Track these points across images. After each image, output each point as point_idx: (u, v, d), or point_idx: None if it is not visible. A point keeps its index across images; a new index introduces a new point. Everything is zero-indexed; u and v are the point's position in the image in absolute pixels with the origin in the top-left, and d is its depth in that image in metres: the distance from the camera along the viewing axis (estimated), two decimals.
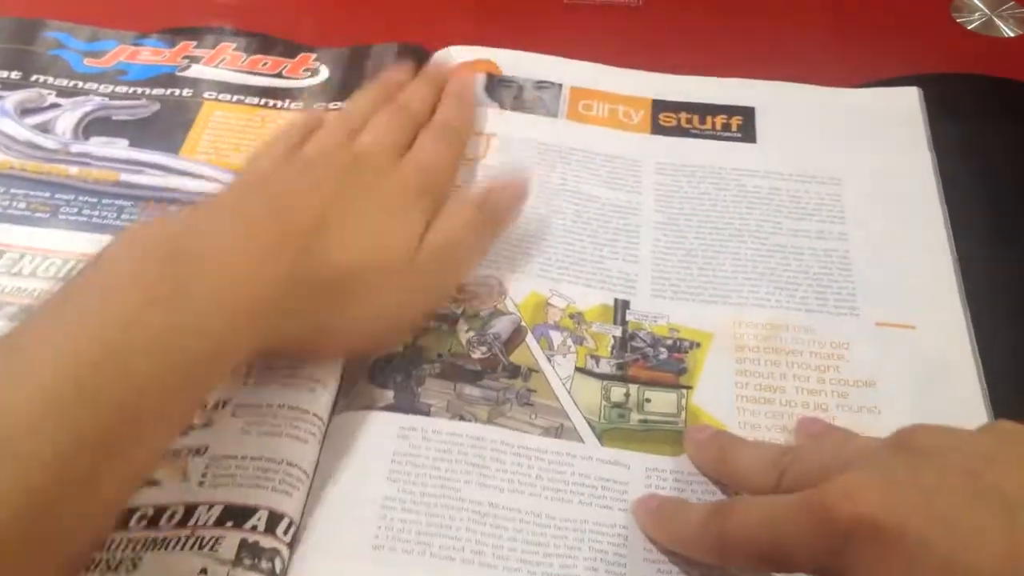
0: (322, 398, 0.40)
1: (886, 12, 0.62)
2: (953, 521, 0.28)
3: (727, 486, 0.39)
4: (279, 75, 0.56)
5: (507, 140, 0.52)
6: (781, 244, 0.48)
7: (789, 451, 0.36)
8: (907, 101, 0.55)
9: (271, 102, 0.55)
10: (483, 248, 0.46)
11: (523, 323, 0.45)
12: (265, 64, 0.57)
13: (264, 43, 0.58)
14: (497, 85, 0.55)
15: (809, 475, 0.33)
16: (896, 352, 0.44)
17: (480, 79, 0.55)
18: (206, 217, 0.37)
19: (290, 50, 0.58)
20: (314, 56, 0.57)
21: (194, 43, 0.58)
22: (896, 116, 0.54)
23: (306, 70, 0.56)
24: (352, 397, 0.41)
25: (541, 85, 0.56)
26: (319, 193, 0.40)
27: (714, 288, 0.47)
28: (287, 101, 0.55)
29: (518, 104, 0.54)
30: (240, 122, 0.53)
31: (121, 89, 0.55)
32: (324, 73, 0.56)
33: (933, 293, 0.46)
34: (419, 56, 0.57)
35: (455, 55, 0.57)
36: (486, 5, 0.62)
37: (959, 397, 0.43)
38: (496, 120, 0.54)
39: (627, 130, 0.54)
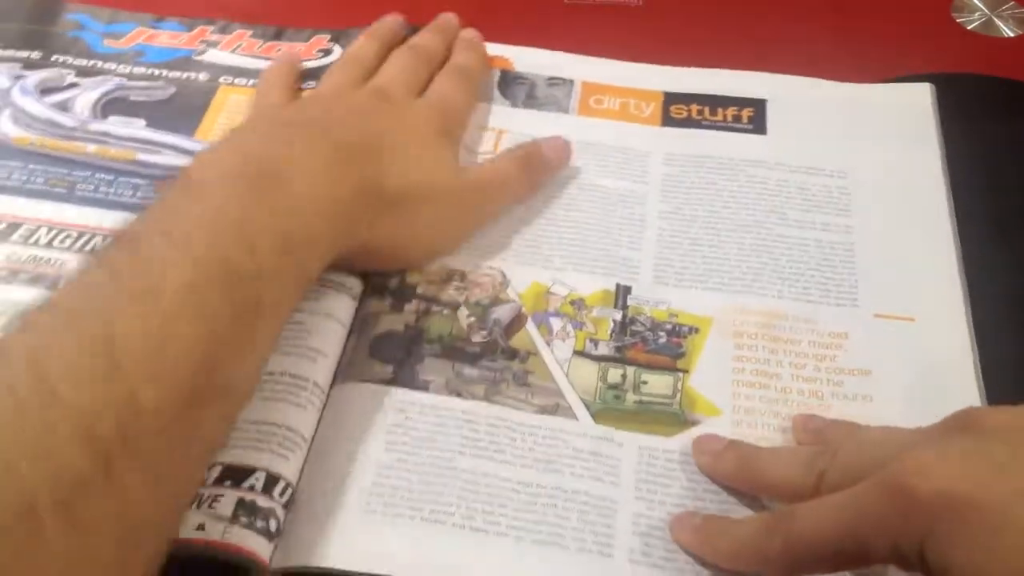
0: (323, 368, 0.42)
1: (886, 12, 0.63)
2: None
3: (750, 494, 0.39)
4: None
5: (517, 136, 0.54)
6: (785, 235, 0.49)
7: (824, 452, 0.36)
8: (920, 97, 0.55)
9: None
10: (522, 189, 0.49)
11: (523, 310, 0.46)
12: (279, 50, 0.58)
13: (279, 31, 0.60)
14: (511, 82, 0.57)
15: (854, 471, 0.33)
16: (894, 343, 0.44)
17: (495, 72, 0.57)
18: (278, 140, 0.41)
19: (304, 34, 0.59)
20: (328, 37, 0.59)
21: (211, 28, 0.60)
22: (908, 112, 0.55)
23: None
24: (352, 369, 0.43)
25: (553, 82, 0.57)
26: (365, 121, 0.45)
27: (717, 276, 0.47)
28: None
29: (531, 102, 0.56)
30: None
31: (139, 70, 0.57)
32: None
33: (934, 287, 0.47)
34: None
35: None
36: (486, 4, 0.63)
37: (954, 390, 0.43)
38: (507, 116, 0.55)
39: (638, 122, 0.55)
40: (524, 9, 0.64)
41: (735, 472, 0.39)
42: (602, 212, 0.50)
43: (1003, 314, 0.46)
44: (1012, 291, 0.47)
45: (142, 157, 0.52)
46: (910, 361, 0.44)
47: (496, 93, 0.56)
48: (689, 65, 0.58)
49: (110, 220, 0.48)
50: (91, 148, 0.52)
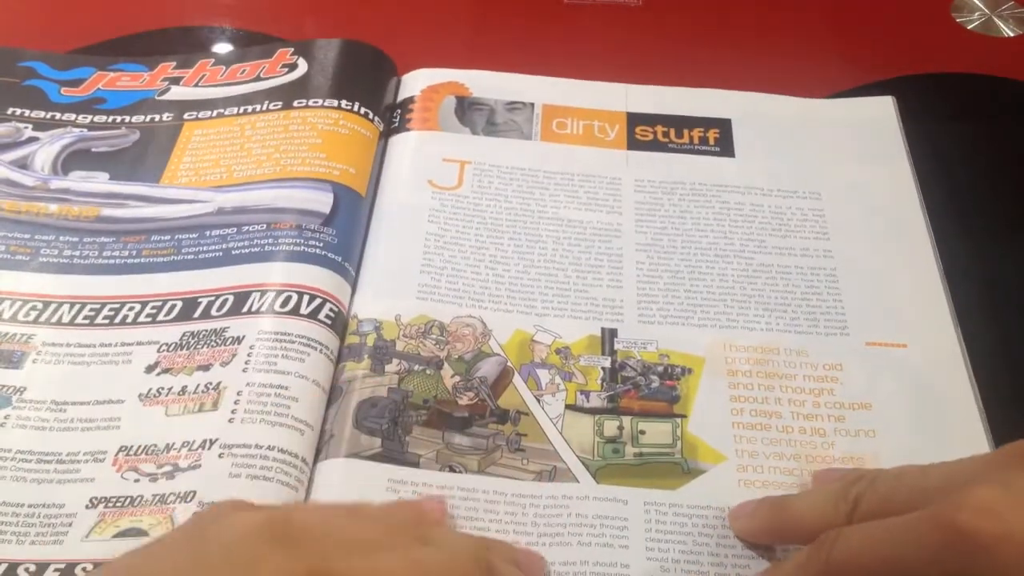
0: (309, 442, 0.39)
1: (886, 12, 0.62)
2: None
3: (782, 543, 0.38)
4: (258, 79, 0.55)
5: (481, 167, 0.51)
6: (767, 263, 0.47)
7: (859, 479, 0.34)
8: (882, 110, 0.54)
9: (249, 108, 0.53)
10: None
11: (509, 363, 0.43)
12: (244, 72, 0.55)
13: (242, 46, 0.57)
14: (468, 108, 0.54)
15: (893, 501, 0.32)
16: (889, 372, 0.43)
17: (450, 102, 0.54)
18: None
19: (267, 51, 0.56)
20: (291, 51, 0.56)
21: (172, 63, 0.56)
22: (872, 126, 0.54)
23: (284, 65, 0.55)
24: (337, 444, 0.40)
25: (513, 106, 0.54)
26: None
27: (703, 311, 0.46)
28: (266, 103, 0.53)
29: (491, 129, 0.53)
30: (219, 137, 0.52)
31: (100, 119, 0.53)
32: (303, 67, 0.55)
33: (922, 309, 0.46)
34: (388, 69, 0.56)
35: (423, 78, 0.55)
36: (486, 4, 0.61)
37: (954, 414, 0.42)
38: (469, 145, 0.52)
39: (603, 147, 0.53)
40: (525, 9, 0.62)
41: (768, 524, 0.37)
42: (578, 249, 0.48)
43: (992, 325, 0.46)
44: (997, 297, 0.47)
45: (107, 212, 0.48)
46: (907, 389, 0.43)
47: (454, 120, 0.53)
48: (686, 65, 0.56)
49: (75, 287, 0.45)
50: (53, 207, 0.48)
